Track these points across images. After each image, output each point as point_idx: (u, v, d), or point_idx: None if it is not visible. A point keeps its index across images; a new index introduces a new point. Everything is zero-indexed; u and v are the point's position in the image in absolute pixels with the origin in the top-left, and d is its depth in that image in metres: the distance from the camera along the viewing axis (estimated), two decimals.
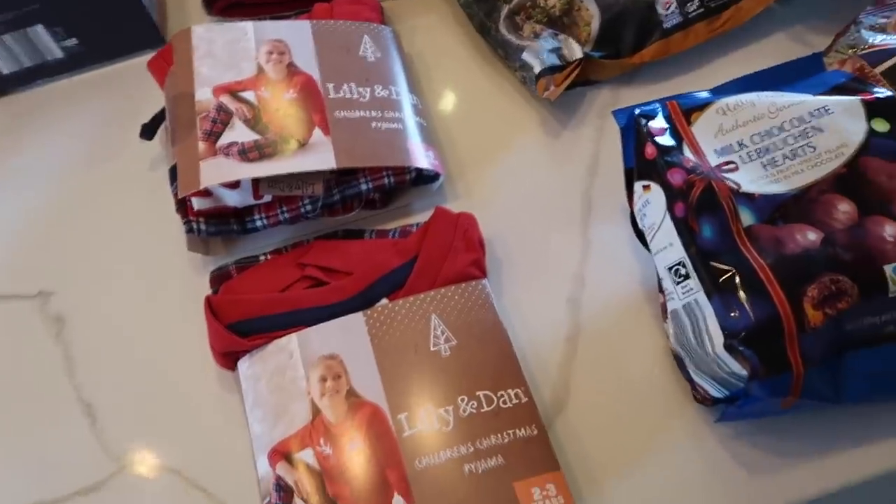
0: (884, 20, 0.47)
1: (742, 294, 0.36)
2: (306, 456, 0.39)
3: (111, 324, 0.49)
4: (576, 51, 0.52)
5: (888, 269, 0.36)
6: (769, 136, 0.40)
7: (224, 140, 0.48)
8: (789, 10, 0.56)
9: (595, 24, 0.53)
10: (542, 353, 0.45)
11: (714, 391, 0.39)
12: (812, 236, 0.37)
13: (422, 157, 0.50)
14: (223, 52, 0.52)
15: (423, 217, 0.51)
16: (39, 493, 0.43)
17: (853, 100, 0.40)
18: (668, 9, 0.53)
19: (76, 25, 0.58)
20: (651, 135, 0.41)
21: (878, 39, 0.46)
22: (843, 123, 0.40)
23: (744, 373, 0.35)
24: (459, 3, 0.58)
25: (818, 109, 0.40)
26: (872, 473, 0.39)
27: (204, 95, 0.50)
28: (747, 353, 0.35)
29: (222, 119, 0.49)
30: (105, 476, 0.44)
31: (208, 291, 0.48)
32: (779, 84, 0.44)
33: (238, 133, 0.48)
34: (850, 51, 0.46)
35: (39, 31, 0.57)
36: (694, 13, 0.53)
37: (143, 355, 0.48)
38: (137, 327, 0.49)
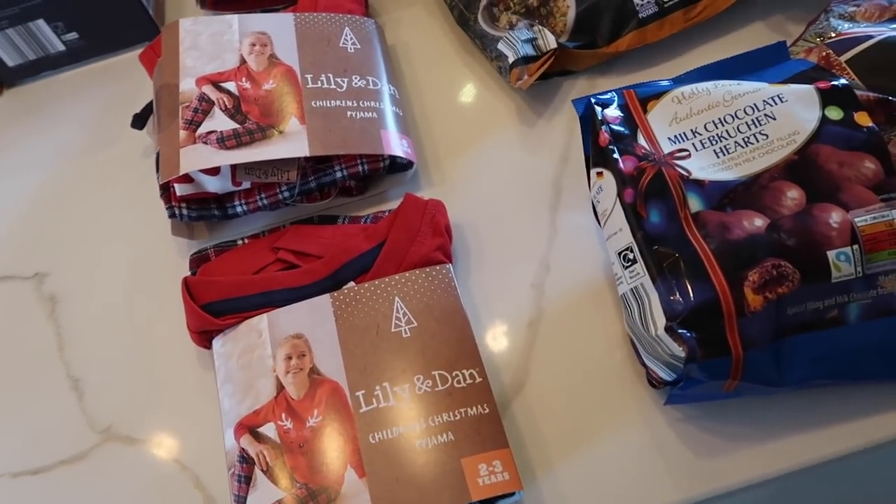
0: (853, 8, 0.47)
1: (684, 278, 0.37)
2: (268, 430, 0.41)
3: (100, 304, 0.52)
4: (550, 41, 0.53)
5: (832, 254, 0.36)
6: (723, 123, 0.41)
7: (204, 128, 0.50)
8: None
9: (571, 15, 0.54)
10: (504, 337, 0.46)
11: (664, 374, 0.40)
12: (759, 222, 0.37)
13: (396, 145, 0.51)
14: (208, 43, 0.54)
15: (397, 204, 0.52)
16: (25, 463, 0.46)
17: (807, 88, 0.40)
18: None
19: (76, 20, 0.61)
20: (605, 122, 0.41)
21: (846, 27, 0.46)
22: (796, 111, 0.40)
23: (683, 355, 0.36)
24: None
25: (773, 98, 0.40)
26: (815, 458, 0.39)
27: (188, 85, 0.52)
28: (686, 335, 0.36)
29: (203, 108, 0.51)
30: (88, 447, 0.46)
31: (188, 274, 0.50)
32: (742, 73, 0.44)
33: (218, 122, 0.50)
34: (818, 39, 0.46)
35: (41, 26, 0.60)
36: (670, 3, 0.54)
37: (128, 334, 0.50)
38: (124, 307, 0.51)
